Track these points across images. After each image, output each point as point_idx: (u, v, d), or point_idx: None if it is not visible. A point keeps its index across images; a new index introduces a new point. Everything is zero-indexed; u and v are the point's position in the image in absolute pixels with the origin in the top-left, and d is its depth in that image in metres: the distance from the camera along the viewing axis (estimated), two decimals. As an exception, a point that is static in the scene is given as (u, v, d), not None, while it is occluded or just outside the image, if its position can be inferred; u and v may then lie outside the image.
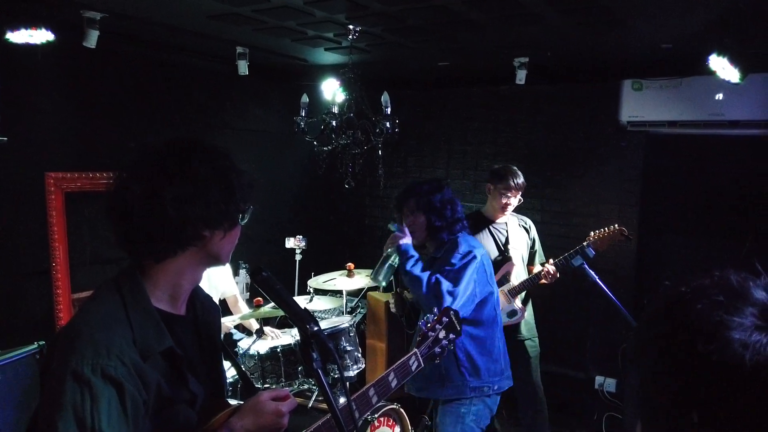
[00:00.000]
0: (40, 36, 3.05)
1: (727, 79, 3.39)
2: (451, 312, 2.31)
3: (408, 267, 2.64)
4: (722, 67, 3.30)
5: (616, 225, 3.40)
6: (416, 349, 2.18)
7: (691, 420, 0.61)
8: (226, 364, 2.15)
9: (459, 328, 2.31)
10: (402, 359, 2.10)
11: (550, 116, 4.88)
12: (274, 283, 1.34)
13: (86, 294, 3.87)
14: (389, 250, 2.76)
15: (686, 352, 0.62)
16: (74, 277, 3.79)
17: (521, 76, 4.07)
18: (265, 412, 1.34)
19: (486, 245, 3.57)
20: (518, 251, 3.65)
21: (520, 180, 3.55)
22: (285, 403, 1.38)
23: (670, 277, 0.72)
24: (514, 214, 3.74)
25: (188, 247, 1.29)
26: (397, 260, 2.74)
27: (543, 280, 3.53)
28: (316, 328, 1.28)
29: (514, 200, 3.56)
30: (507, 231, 3.65)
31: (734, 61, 3.26)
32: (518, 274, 3.61)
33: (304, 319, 1.29)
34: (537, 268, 3.68)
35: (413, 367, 2.11)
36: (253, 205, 1.38)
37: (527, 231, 3.74)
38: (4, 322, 3.48)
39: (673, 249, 3.70)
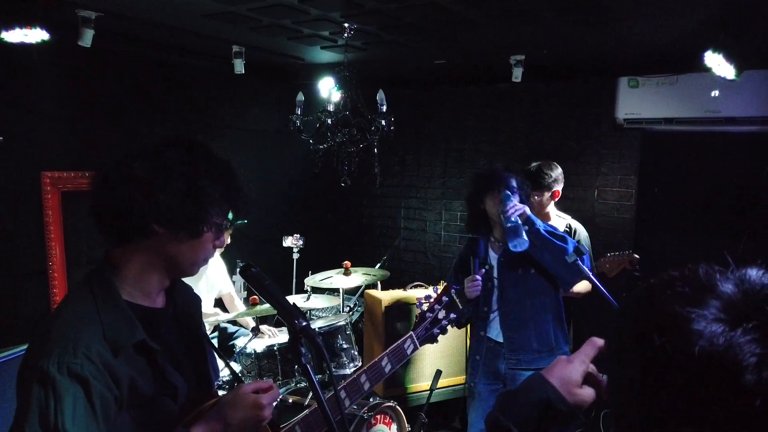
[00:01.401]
0: (35, 35, 3.05)
1: (722, 75, 3.39)
2: (452, 290, 2.23)
3: (545, 231, 2.66)
4: (718, 63, 3.29)
5: (630, 251, 3.31)
6: (412, 332, 2.09)
7: (653, 412, 0.61)
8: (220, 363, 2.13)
9: (461, 307, 2.22)
10: (396, 342, 2.01)
11: (547, 114, 4.88)
12: (263, 278, 1.34)
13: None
14: (514, 218, 2.65)
15: (644, 343, 0.62)
16: (71, 276, 3.80)
17: (517, 74, 4.07)
18: (244, 404, 1.31)
19: None
20: None
21: (547, 178, 3.38)
22: (266, 395, 1.34)
23: (645, 276, 0.72)
24: (564, 216, 3.60)
25: (142, 239, 1.27)
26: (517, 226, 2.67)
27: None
28: (304, 323, 1.28)
29: (538, 196, 3.39)
30: None
31: (730, 57, 3.25)
32: None
33: (292, 315, 1.29)
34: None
35: (408, 351, 2.02)
36: (232, 224, 1.36)
37: (570, 235, 3.53)
38: (0, 322, 3.48)
39: (670, 246, 3.70)
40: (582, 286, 3.25)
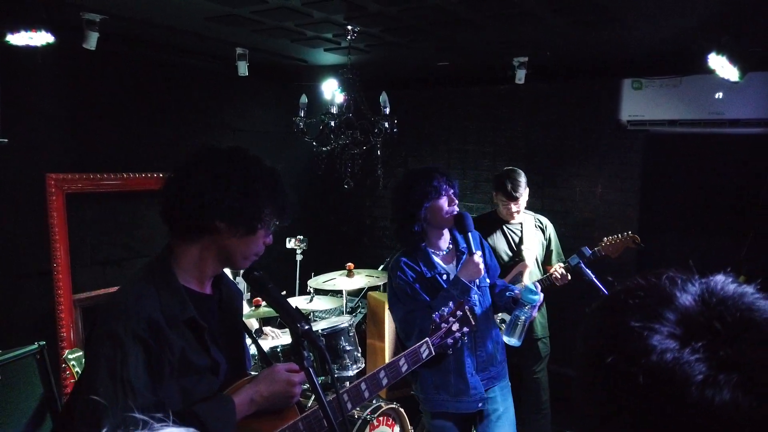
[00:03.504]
0: (40, 38, 3.07)
1: (726, 77, 3.38)
2: (466, 306, 2.28)
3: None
4: (721, 65, 3.29)
5: (629, 232, 3.36)
6: (428, 339, 2.18)
7: (604, 416, 0.63)
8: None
9: (474, 323, 2.28)
10: (413, 347, 2.14)
11: (550, 115, 4.88)
12: (265, 282, 1.38)
13: (87, 294, 3.90)
14: (522, 313, 2.51)
15: (596, 358, 0.63)
16: (75, 277, 3.81)
17: (521, 76, 4.08)
18: (278, 380, 1.51)
19: (498, 245, 3.58)
20: (532, 252, 3.60)
21: (520, 188, 3.47)
22: (297, 375, 1.53)
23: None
24: (530, 213, 3.70)
25: (204, 235, 1.45)
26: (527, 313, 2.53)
27: (555, 283, 3.38)
28: (307, 327, 1.30)
29: (515, 206, 3.50)
30: (521, 231, 3.62)
31: (733, 59, 3.25)
32: (531, 275, 3.57)
33: (295, 318, 1.32)
34: (555, 268, 3.66)
35: (424, 355, 2.13)
36: (279, 223, 1.53)
37: (543, 231, 3.70)
38: (5, 322, 3.50)
39: (673, 248, 3.70)
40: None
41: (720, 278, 0.65)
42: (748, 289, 0.64)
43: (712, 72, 3.40)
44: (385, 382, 1.94)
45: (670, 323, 0.60)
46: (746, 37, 3.27)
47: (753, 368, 0.56)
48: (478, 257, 2.46)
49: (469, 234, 2.49)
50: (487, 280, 2.60)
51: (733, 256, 3.83)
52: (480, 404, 2.57)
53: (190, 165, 1.47)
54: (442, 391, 2.56)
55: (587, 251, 2.84)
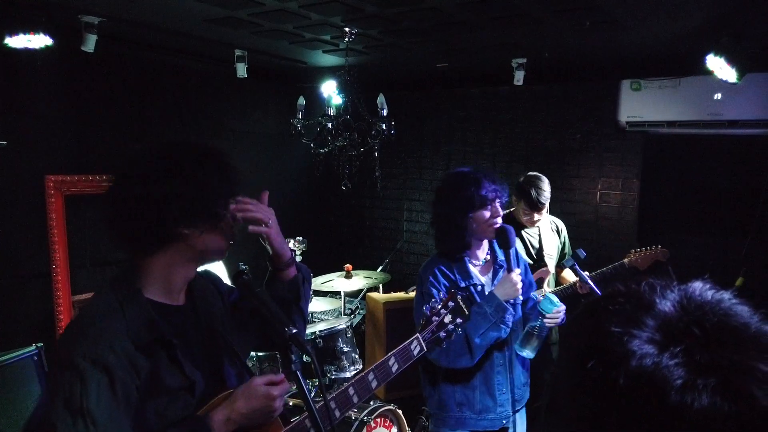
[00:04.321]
0: (39, 41, 3.08)
1: (724, 78, 3.38)
2: (459, 296, 2.16)
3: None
4: (719, 66, 3.29)
5: (659, 246, 3.32)
6: (418, 334, 2.08)
7: (580, 426, 0.64)
8: None
9: (467, 313, 2.16)
10: (403, 344, 2.03)
11: (548, 117, 4.88)
12: (254, 286, 1.37)
13: (87, 296, 3.91)
14: (537, 324, 2.35)
15: (578, 362, 0.64)
16: (74, 279, 3.82)
17: (519, 77, 4.08)
18: (256, 395, 1.39)
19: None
20: (552, 258, 3.52)
21: (544, 196, 3.34)
22: (277, 388, 1.43)
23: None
24: (546, 214, 3.58)
25: (171, 244, 1.35)
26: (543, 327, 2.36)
27: (579, 291, 3.32)
28: (294, 331, 1.30)
29: (538, 215, 3.39)
30: (539, 236, 3.51)
31: (731, 61, 3.25)
32: (550, 280, 3.51)
33: (283, 322, 1.31)
34: (566, 271, 3.60)
35: (415, 352, 2.03)
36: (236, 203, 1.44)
37: (558, 234, 3.62)
38: (4, 324, 3.51)
39: (672, 249, 3.69)
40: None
41: (698, 284, 0.66)
42: (726, 295, 0.65)
43: (710, 73, 3.40)
44: (374, 384, 1.84)
45: (650, 329, 0.61)
46: (744, 39, 3.26)
47: (730, 372, 0.57)
48: (516, 275, 2.33)
49: (510, 250, 2.38)
50: (521, 297, 2.46)
51: (732, 257, 3.82)
52: (504, 421, 2.45)
53: (132, 174, 1.34)
54: (466, 409, 2.43)
55: (582, 253, 2.82)
